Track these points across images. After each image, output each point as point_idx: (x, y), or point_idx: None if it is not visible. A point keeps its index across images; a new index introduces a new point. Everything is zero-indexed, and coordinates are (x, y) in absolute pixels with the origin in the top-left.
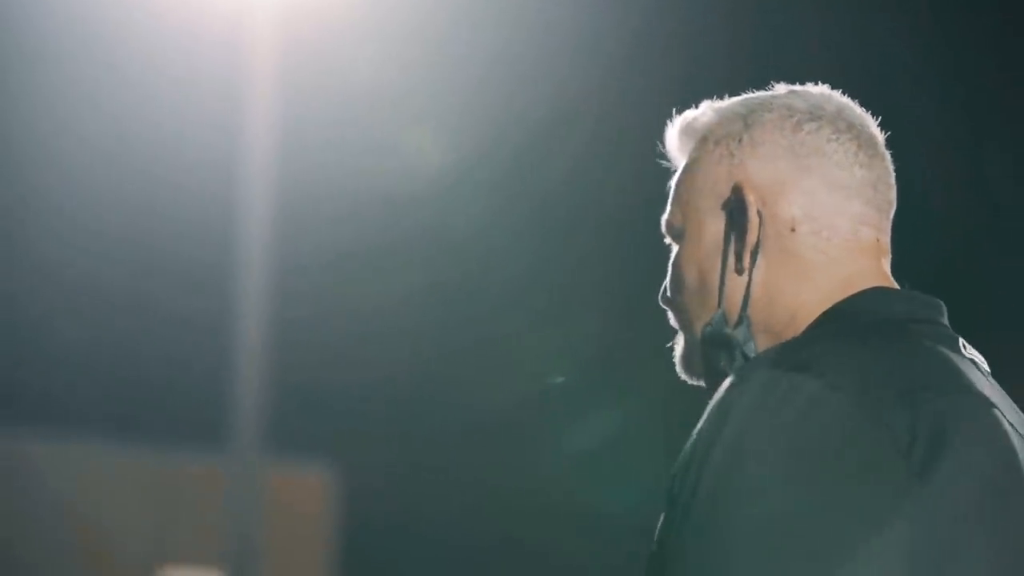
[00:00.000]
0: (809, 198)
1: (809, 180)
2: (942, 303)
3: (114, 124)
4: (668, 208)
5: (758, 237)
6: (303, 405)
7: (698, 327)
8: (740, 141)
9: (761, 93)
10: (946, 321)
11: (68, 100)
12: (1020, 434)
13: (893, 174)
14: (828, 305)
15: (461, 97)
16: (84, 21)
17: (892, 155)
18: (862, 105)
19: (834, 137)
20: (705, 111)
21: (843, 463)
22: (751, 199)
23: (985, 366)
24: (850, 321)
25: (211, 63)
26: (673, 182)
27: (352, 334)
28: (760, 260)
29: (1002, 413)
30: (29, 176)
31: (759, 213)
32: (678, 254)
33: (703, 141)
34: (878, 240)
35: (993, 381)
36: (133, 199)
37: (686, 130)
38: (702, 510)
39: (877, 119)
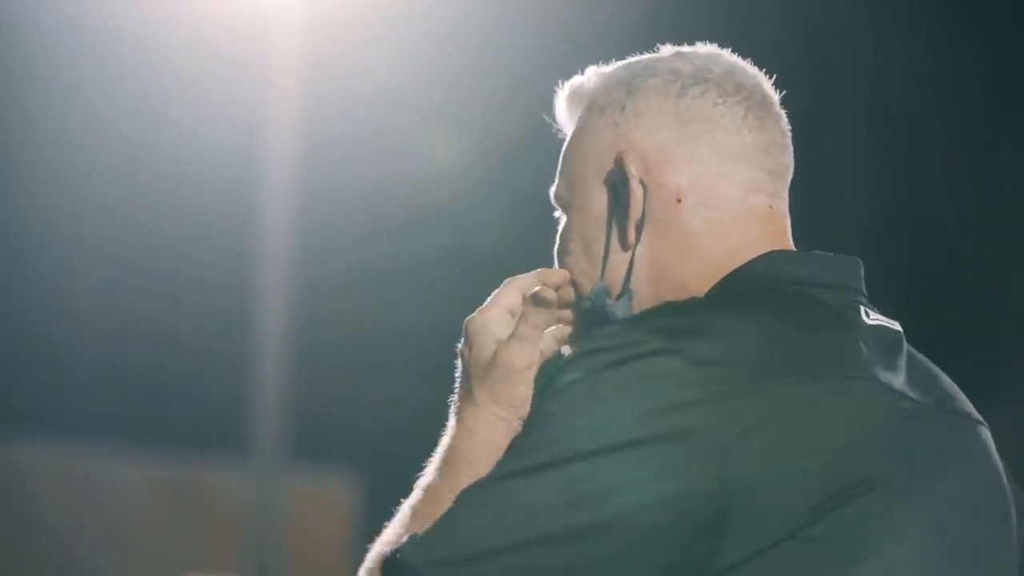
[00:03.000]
0: (696, 166)
1: (695, 147)
2: (857, 262)
3: (131, 128)
4: (556, 179)
5: (642, 210)
6: (325, 416)
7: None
8: (623, 109)
9: (646, 56)
10: (858, 283)
11: (83, 105)
12: (918, 404)
13: (789, 135)
14: (719, 276)
15: (488, 103)
16: (99, 25)
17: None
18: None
19: (721, 101)
20: (591, 77)
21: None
22: (633, 170)
23: (894, 328)
24: (740, 290)
25: (230, 69)
26: (562, 152)
27: (377, 342)
28: (645, 234)
29: (887, 387)
30: (46, 180)
31: (643, 184)
32: (565, 227)
33: (588, 110)
34: (771, 206)
35: (903, 347)
36: (154, 204)
37: (573, 97)
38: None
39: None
